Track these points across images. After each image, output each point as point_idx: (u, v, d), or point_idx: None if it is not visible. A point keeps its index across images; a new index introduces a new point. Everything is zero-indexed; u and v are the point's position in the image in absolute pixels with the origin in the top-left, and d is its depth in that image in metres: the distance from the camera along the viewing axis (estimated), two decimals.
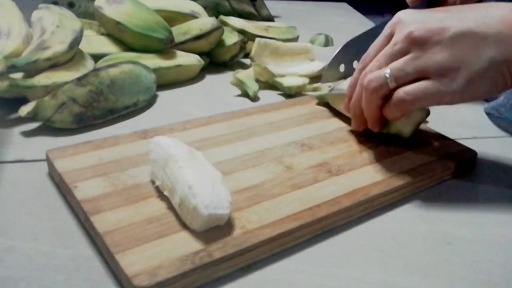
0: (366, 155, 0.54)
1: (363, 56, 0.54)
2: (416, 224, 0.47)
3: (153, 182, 0.46)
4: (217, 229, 0.41)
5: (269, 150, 0.54)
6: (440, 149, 0.56)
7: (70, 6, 0.86)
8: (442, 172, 0.53)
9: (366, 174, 0.50)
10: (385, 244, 0.44)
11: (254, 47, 0.79)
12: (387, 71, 0.49)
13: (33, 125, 0.59)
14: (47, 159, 0.50)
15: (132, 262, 0.37)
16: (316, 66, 0.80)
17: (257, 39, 0.80)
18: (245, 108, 0.64)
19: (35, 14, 0.71)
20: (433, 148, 0.57)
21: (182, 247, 0.39)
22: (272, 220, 0.42)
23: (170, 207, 0.43)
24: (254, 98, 0.71)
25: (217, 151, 0.53)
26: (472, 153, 0.57)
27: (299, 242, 0.43)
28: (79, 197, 0.44)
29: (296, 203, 0.45)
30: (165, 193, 0.43)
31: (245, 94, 0.72)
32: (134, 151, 0.51)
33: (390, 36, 0.51)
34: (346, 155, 0.54)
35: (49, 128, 0.58)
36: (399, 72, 0.48)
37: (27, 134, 0.58)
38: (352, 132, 0.59)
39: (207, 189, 0.40)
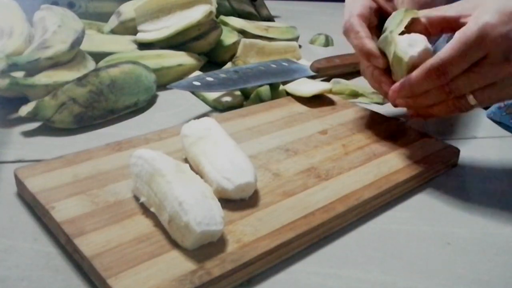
0: (352, 157, 0.53)
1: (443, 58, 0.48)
2: (416, 224, 0.47)
3: (136, 198, 0.43)
4: (211, 245, 0.39)
5: (253, 157, 0.52)
6: (424, 147, 0.56)
7: (70, 6, 0.86)
8: (430, 171, 0.53)
9: (356, 177, 0.50)
10: (385, 244, 0.44)
11: (239, 47, 0.79)
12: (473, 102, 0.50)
13: (33, 125, 0.59)
14: (16, 179, 0.46)
15: (126, 286, 0.34)
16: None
17: (242, 39, 0.80)
18: (220, 114, 0.62)
19: (38, 14, 0.71)
20: (417, 147, 0.56)
21: (177, 267, 0.37)
22: (268, 231, 0.41)
23: (157, 224, 0.41)
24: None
25: None
26: (455, 149, 0.57)
27: (297, 251, 0.42)
28: (58, 218, 0.40)
29: (289, 211, 0.44)
30: (152, 209, 0.41)
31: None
32: (110, 165, 0.48)
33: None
34: (332, 158, 0.53)
35: (49, 128, 0.58)
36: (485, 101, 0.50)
37: (27, 134, 0.58)
38: (334, 134, 0.58)
39: (198, 205, 0.38)
